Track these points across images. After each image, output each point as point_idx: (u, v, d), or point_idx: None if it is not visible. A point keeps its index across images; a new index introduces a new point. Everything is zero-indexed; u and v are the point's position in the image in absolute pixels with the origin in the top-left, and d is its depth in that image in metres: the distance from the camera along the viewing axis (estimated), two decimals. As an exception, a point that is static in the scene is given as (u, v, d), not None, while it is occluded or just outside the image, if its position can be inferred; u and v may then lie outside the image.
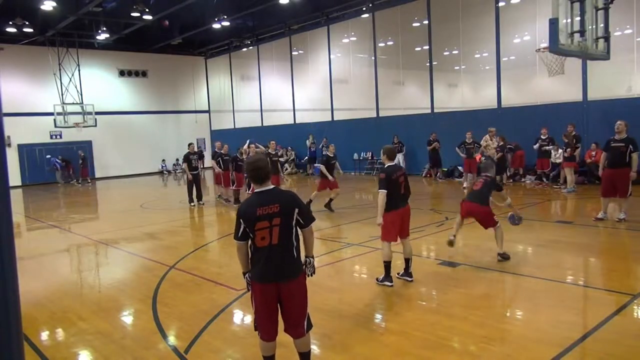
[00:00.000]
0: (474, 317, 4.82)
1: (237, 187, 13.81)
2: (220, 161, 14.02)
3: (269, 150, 13.45)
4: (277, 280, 3.50)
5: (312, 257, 3.73)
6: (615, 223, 8.97)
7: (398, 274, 6.18)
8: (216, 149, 14.93)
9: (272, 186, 3.56)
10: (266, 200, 3.45)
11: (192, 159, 14.03)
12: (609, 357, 3.92)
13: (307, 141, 22.68)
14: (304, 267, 3.66)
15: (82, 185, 24.04)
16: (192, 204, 13.90)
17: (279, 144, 19.29)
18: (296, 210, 3.51)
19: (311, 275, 3.71)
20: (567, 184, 13.18)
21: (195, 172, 14.00)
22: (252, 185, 3.68)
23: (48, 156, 25.21)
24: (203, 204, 14.16)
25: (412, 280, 6.03)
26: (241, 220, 3.47)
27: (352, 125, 22.07)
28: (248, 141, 14.55)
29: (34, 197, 19.60)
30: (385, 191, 5.80)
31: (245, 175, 12.49)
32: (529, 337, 4.35)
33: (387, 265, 5.95)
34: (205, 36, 27.21)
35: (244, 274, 3.65)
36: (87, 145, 26.98)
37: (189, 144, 14.42)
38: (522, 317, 4.95)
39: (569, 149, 13.13)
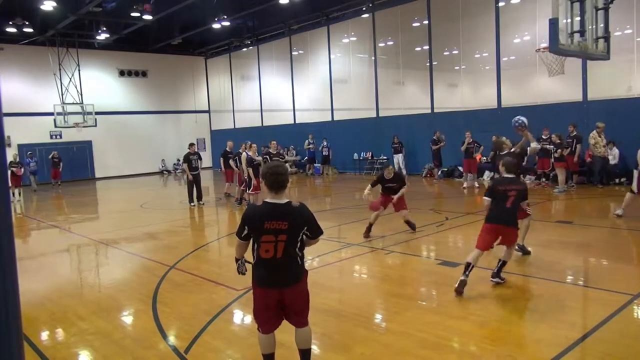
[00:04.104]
0: (474, 317, 4.82)
1: (245, 187, 12.87)
2: (237, 160, 13.86)
3: (270, 150, 13.34)
4: (280, 287, 3.51)
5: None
6: (615, 223, 8.99)
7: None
8: (227, 149, 14.87)
9: (285, 200, 3.47)
10: (275, 215, 3.39)
11: (192, 159, 14.01)
12: (609, 357, 3.92)
13: (306, 141, 22.63)
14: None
15: (54, 187, 23.00)
16: (192, 204, 13.89)
17: (279, 144, 19.25)
18: (305, 227, 3.49)
19: None
20: (559, 183, 13.18)
21: (195, 173, 13.99)
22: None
23: (29, 152, 23.54)
24: (203, 204, 14.15)
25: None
26: (246, 226, 3.48)
27: (352, 125, 22.06)
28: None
29: (33, 197, 19.59)
30: (489, 199, 5.68)
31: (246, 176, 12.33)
32: (529, 337, 4.35)
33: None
34: (205, 36, 27.21)
35: (237, 259, 3.70)
36: (87, 145, 27.01)
37: (190, 145, 14.40)
38: (522, 317, 4.94)
39: (559, 150, 13.13)
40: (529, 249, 7.02)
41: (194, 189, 13.95)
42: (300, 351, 3.71)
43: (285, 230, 3.38)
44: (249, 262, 3.68)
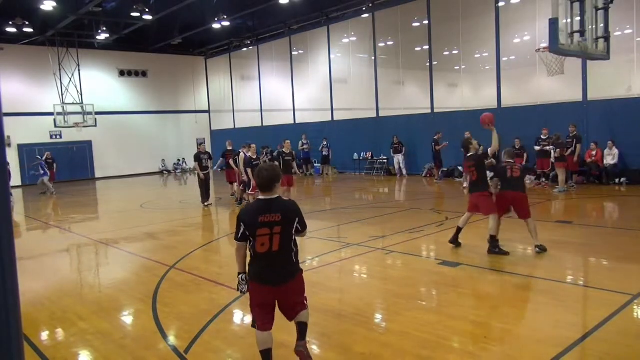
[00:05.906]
0: (474, 317, 4.82)
1: (244, 187, 12.83)
2: (237, 159, 13.76)
3: (284, 150, 13.06)
4: (276, 284, 3.65)
5: None
6: (615, 223, 8.98)
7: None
8: (229, 148, 14.83)
9: (276, 195, 3.68)
10: (268, 209, 3.58)
11: (203, 158, 13.96)
12: (609, 357, 3.92)
13: (299, 142, 22.49)
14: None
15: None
16: (206, 203, 13.69)
17: (278, 144, 19.15)
18: (297, 219, 3.68)
19: None
20: (559, 183, 13.18)
21: (206, 172, 13.91)
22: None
23: (38, 157, 22.67)
24: (211, 204, 14.05)
25: None
26: (242, 224, 3.60)
27: (352, 125, 22.06)
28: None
29: (34, 197, 19.58)
30: None
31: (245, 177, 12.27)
32: (529, 337, 4.35)
33: None
34: (205, 36, 27.20)
35: (239, 274, 3.77)
36: (87, 145, 27.00)
37: (200, 144, 14.33)
38: (522, 317, 4.94)
39: (559, 149, 13.14)
40: (530, 249, 7.03)
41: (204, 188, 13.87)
42: (297, 324, 3.80)
43: (279, 222, 3.57)
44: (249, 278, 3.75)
